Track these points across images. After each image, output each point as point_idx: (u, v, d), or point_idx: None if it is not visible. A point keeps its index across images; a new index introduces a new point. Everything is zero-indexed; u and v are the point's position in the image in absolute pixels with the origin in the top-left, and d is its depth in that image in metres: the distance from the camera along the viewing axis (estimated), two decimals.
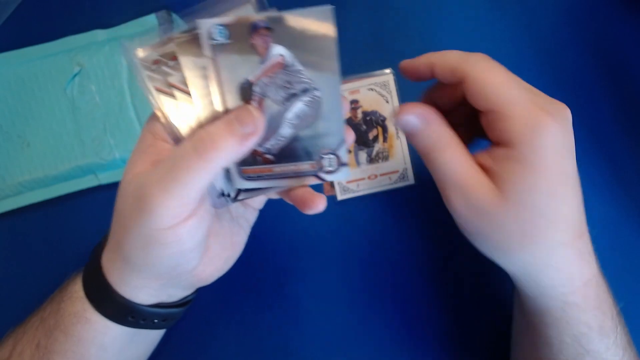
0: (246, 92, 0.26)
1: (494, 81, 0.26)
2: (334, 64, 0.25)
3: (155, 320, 0.30)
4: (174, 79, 0.26)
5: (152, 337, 0.33)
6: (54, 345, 0.29)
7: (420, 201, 0.40)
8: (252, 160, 0.27)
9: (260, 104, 0.26)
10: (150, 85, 0.26)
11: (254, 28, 0.24)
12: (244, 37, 0.25)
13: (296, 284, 0.40)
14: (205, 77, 0.26)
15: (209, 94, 0.26)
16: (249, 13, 0.26)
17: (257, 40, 0.25)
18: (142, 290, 0.28)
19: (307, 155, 0.27)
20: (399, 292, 0.39)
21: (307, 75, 0.25)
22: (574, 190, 0.26)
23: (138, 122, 0.42)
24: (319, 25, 0.24)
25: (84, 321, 0.29)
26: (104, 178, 0.42)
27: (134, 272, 0.28)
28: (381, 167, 0.40)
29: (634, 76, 0.41)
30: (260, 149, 0.27)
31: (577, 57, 0.42)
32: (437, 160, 0.27)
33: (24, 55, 0.44)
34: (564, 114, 0.26)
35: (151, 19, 0.43)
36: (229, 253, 0.32)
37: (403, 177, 0.40)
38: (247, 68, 0.25)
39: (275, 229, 0.36)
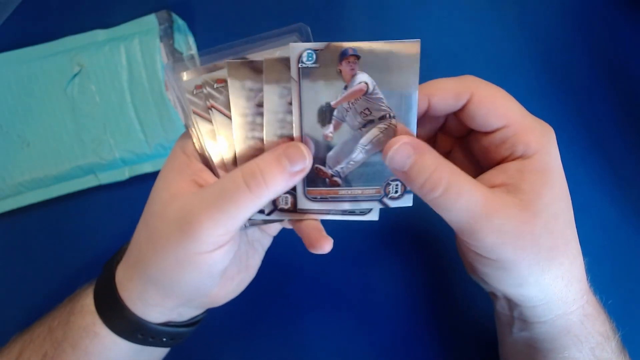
0: (325, 115, 0.26)
1: (502, 98, 0.26)
2: (414, 88, 0.25)
3: (164, 339, 0.30)
4: (216, 101, 0.27)
5: (157, 354, 0.33)
6: (61, 356, 0.29)
7: (420, 201, 0.40)
8: (319, 181, 0.27)
9: (336, 128, 0.26)
10: (190, 107, 0.27)
11: (343, 55, 0.25)
12: (331, 63, 0.25)
13: (296, 286, 0.40)
14: (249, 99, 0.26)
15: (247, 115, 0.27)
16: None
17: (345, 67, 0.25)
18: (155, 308, 0.28)
19: (374, 181, 0.27)
20: (399, 292, 0.39)
21: (386, 103, 0.26)
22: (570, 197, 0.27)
23: (138, 122, 0.42)
24: (405, 51, 0.25)
25: (92, 335, 0.29)
26: (104, 178, 0.42)
27: (154, 291, 0.28)
28: None
29: (634, 76, 0.41)
30: (330, 172, 0.27)
31: (577, 57, 0.42)
32: (449, 193, 0.24)
33: (24, 55, 0.43)
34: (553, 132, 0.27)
35: (151, 19, 0.43)
36: (243, 275, 0.32)
37: None
38: (330, 92, 0.26)
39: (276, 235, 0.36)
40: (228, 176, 0.25)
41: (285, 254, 0.40)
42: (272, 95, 0.26)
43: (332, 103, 0.26)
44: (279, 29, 0.27)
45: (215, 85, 0.27)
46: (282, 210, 0.28)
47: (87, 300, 0.30)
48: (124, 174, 0.42)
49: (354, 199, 0.28)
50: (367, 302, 0.39)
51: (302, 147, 0.26)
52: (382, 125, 0.26)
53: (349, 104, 0.26)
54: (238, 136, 0.27)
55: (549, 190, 0.25)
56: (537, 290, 0.26)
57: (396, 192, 0.27)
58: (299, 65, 0.25)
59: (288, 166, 0.25)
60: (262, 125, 0.27)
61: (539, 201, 0.25)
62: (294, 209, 0.28)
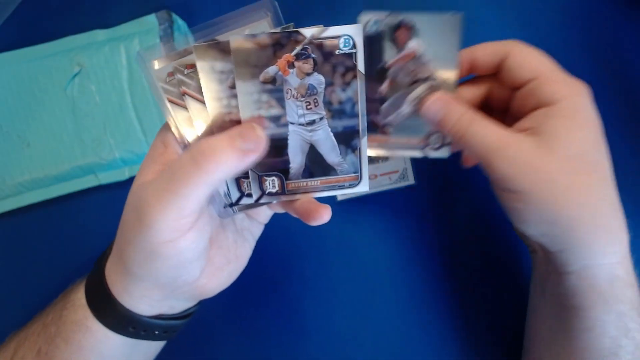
0: (381, 73, 0.29)
1: (534, 54, 0.29)
2: (455, 53, 0.29)
3: (156, 332, 0.30)
4: (188, 88, 0.27)
5: (152, 348, 0.33)
6: (55, 352, 0.29)
7: (420, 201, 0.40)
8: (372, 130, 0.30)
9: (390, 85, 0.29)
10: (164, 96, 0.27)
11: (399, 24, 0.28)
12: (390, 30, 0.28)
13: (296, 285, 0.40)
14: (221, 82, 0.26)
15: (221, 99, 0.26)
16: (264, 28, 0.27)
17: (400, 34, 0.28)
18: (143, 300, 0.28)
19: (418, 132, 0.30)
20: (399, 292, 0.39)
21: (431, 66, 0.29)
22: (608, 155, 0.28)
23: (138, 122, 0.42)
24: (448, 23, 0.28)
25: (84, 330, 0.29)
26: (104, 178, 0.42)
27: (136, 283, 0.28)
28: (381, 167, 0.40)
29: (634, 76, 0.41)
30: (383, 122, 0.30)
31: (577, 57, 0.42)
32: (469, 134, 0.27)
33: (24, 55, 0.44)
34: (590, 92, 0.28)
35: (151, 19, 0.43)
36: (232, 266, 0.32)
37: (403, 177, 0.40)
38: (387, 55, 0.28)
39: (275, 230, 0.36)
40: (178, 157, 0.25)
41: (283, 250, 0.40)
42: (243, 77, 0.26)
43: (387, 64, 0.28)
44: (247, 6, 0.27)
45: (185, 71, 0.26)
46: (271, 194, 0.28)
47: (78, 295, 0.30)
48: (124, 174, 0.42)
49: (400, 148, 0.30)
50: (366, 298, 0.39)
51: (256, 127, 0.25)
52: (426, 84, 0.29)
53: (400, 65, 0.28)
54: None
55: (570, 133, 0.26)
56: (557, 229, 0.27)
57: (436, 142, 0.30)
58: (365, 33, 0.27)
59: (240, 143, 0.25)
60: (267, 102, 0.26)
61: (556, 141, 0.26)
62: (282, 191, 0.28)
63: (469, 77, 0.32)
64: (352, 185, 0.29)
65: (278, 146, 0.27)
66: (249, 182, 0.28)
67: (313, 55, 0.26)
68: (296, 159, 0.27)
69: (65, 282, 0.41)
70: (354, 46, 0.26)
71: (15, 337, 0.31)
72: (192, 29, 0.26)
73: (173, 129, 0.27)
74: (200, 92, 0.26)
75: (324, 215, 0.28)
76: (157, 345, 0.33)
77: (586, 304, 0.27)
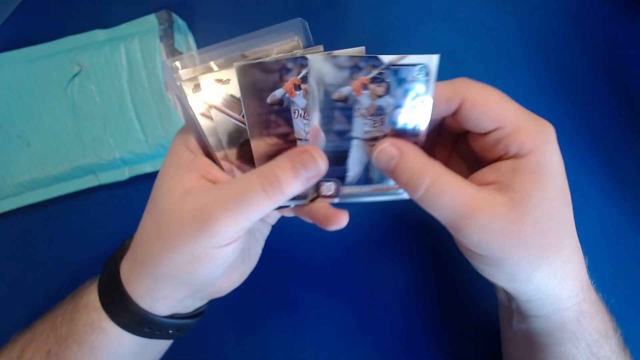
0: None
1: (494, 100, 0.26)
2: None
3: (170, 331, 0.30)
4: (216, 101, 0.27)
5: (162, 345, 0.33)
6: (66, 353, 0.29)
7: None
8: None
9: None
10: (191, 108, 0.27)
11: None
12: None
13: (295, 286, 0.40)
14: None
15: (260, 115, 0.27)
16: (293, 48, 0.28)
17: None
18: (164, 301, 0.29)
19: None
20: (398, 293, 0.39)
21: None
22: (569, 196, 0.27)
23: (138, 122, 0.42)
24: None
25: (98, 331, 0.29)
26: (104, 178, 0.42)
27: (166, 285, 0.28)
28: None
29: (634, 76, 0.41)
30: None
31: (577, 57, 0.42)
32: (430, 193, 0.25)
33: (24, 55, 0.44)
34: (553, 129, 0.27)
35: (151, 19, 0.43)
36: (246, 265, 0.33)
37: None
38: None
39: (273, 231, 0.36)
40: (245, 179, 0.26)
41: (287, 251, 0.40)
42: (250, 99, 0.27)
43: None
44: (277, 24, 0.27)
45: (213, 85, 0.27)
46: (325, 196, 0.29)
47: (91, 297, 0.30)
48: (124, 174, 0.42)
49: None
50: (368, 298, 0.39)
51: (315, 153, 0.26)
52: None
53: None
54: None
55: (540, 190, 0.25)
56: (528, 286, 0.27)
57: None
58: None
59: (303, 173, 0.26)
60: (275, 122, 0.27)
61: (529, 201, 0.25)
62: (337, 194, 0.29)
63: None
64: (399, 193, 0.29)
65: (340, 157, 0.28)
66: None
67: (387, 80, 0.26)
68: (355, 168, 0.28)
69: (66, 281, 0.41)
70: (427, 74, 0.26)
71: (21, 338, 0.31)
72: (219, 45, 0.27)
73: (196, 136, 0.28)
74: (227, 106, 0.27)
75: (343, 220, 0.28)
76: (167, 344, 0.33)
77: (555, 342, 0.28)
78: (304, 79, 0.26)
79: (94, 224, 0.42)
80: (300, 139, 0.28)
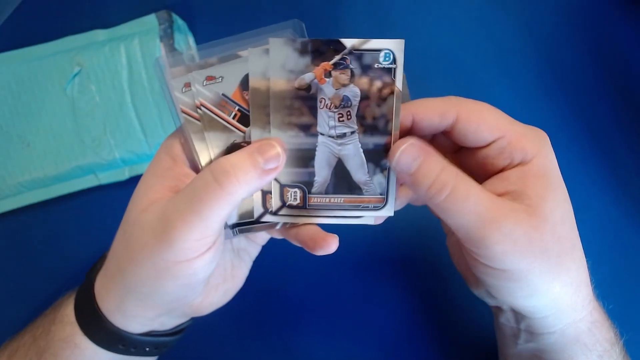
0: None
1: (489, 112, 0.25)
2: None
3: (147, 349, 0.29)
4: (205, 100, 0.26)
5: None
6: None
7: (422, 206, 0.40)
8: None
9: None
10: (178, 106, 0.26)
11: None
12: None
13: (296, 287, 0.40)
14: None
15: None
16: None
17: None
18: (135, 319, 0.28)
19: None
20: (399, 294, 0.39)
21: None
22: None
23: (138, 122, 0.42)
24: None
25: (73, 346, 0.28)
26: (104, 178, 0.42)
27: (134, 302, 0.27)
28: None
29: (634, 76, 0.41)
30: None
31: (577, 57, 0.42)
32: (455, 196, 0.23)
33: (24, 55, 0.44)
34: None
35: (151, 19, 0.43)
36: (228, 285, 0.31)
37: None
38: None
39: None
40: (198, 176, 0.25)
41: (281, 261, 0.40)
42: (278, 80, 0.25)
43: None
44: (273, 24, 0.26)
45: (204, 83, 0.26)
46: (291, 206, 0.27)
47: (67, 311, 0.29)
48: (124, 174, 0.42)
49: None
50: (364, 309, 0.39)
51: (276, 143, 0.25)
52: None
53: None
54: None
55: (552, 194, 0.24)
56: (548, 299, 0.25)
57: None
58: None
59: (261, 162, 0.24)
60: (299, 109, 0.25)
61: (545, 205, 0.24)
62: (303, 205, 0.27)
63: None
64: (376, 208, 0.27)
65: (305, 157, 0.26)
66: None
67: (351, 66, 0.25)
68: (322, 172, 0.26)
69: (66, 282, 0.41)
70: (394, 61, 0.25)
71: (8, 347, 0.31)
72: (215, 42, 0.26)
73: (182, 140, 0.27)
74: (217, 105, 0.26)
75: (332, 244, 0.26)
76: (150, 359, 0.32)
77: (567, 357, 0.27)
78: (336, 66, 0.25)
79: (94, 224, 0.42)
80: (322, 134, 0.26)
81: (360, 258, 0.40)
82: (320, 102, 0.25)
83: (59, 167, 0.42)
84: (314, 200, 0.27)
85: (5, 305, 0.41)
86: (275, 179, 0.27)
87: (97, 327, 0.28)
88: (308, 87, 0.25)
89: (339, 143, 0.26)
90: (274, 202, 0.27)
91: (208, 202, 0.23)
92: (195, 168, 0.27)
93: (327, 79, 0.25)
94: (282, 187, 0.27)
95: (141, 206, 0.25)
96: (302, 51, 0.25)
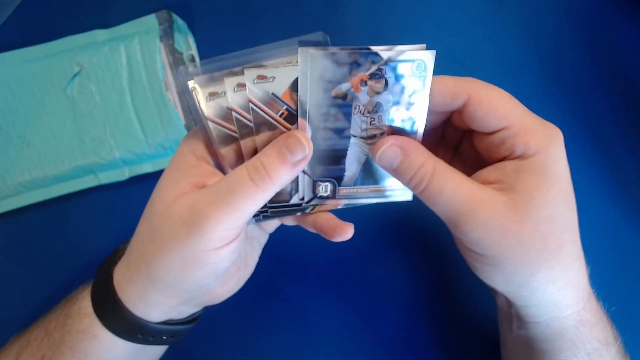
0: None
1: (501, 99, 0.26)
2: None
3: (164, 337, 0.30)
4: (254, 96, 0.27)
5: (157, 351, 0.33)
6: (60, 359, 0.29)
7: (421, 202, 0.40)
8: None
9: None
10: (205, 115, 0.27)
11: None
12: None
13: (296, 287, 0.40)
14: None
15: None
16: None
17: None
18: (157, 308, 0.28)
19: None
20: (399, 293, 0.39)
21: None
22: (574, 203, 0.26)
23: (138, 122, 0.42)
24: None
25: (91, 338, 0.29)
26: (104, 178, 0.42)
27: (157, 291, 0.28)
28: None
29: (634, 76, 0.41)
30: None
31: (577, 57, 0.42)
32: (431, 188, 0.25)
33: (24, 55, 0.43)
34: (561, 134, 0.26)
35: (151, 19, 0.43)
36: (242, 273, 0.33)
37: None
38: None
39: (274, 232, 0.36)
40: (233, 172, 0.26)
41: (286, 253, 0.40)
42: (316, 89, 0.27)
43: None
44: (299, 37, 0.27)
45: (235, 89, 0.27)
46: (322, 197, 0.29)
47: (84, 303, 0.29)
48: (124, 174, 0.42)
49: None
50: (369, 300, 0.39)
51: (301, 136, 0.26)
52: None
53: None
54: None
55: (543, 193, 0.25)
56: (526, 291, 0.26)
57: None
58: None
59: (289, 157, 0.26)
60: (334, 116, 0.27)
61: (531, 203, 0.24)
62: (333, 196, 0.29)
63: None
64: (397, 194, 0.29)
65: (337, 156, 0.28)
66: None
67: (386, 77, 0.26)
68: (352, 167, 0.28)
69: (66, 282, 0.41)
70: (425, 70, 0.26)
71: (17, 342, 0.31)
72: (237, 53, 0.27)
73: (206, 143, 0.28)
74: (247, 110, 0.27)
75: (348, 231, 0.28)
76: (160, 349, 0.33)
77: (554, 349, 0.28)
78: (372, 76, 0.26)
79: (94, 224, 0.42)
80: (354, 136, 0.28)
81: (363, 252, 0.40)
82: (355, 108, 0.27)
83: (59, 167, 0.42)
84: (343, 191, 0.29)
85: (5, 305, 0.41)
86: (308, 175, 0.29)
87: (117, 318, 0.28)
88: (344, 96, 0.27)
89: (369, 143, 0.28)
90: (306, 193, 0.29)
91: (243, 197, 0.25)
92: (220, 168, 0.28)
93: (362, 88, 0.27)
94: (315, 182, 0.29)
95: (168, 199, 0.26)
96: (340, 62, 0.26)
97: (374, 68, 0.26)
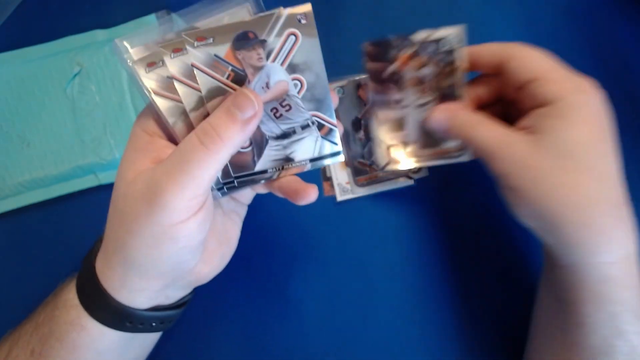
0: (357, 124, 0.40)
1: (534, 55, 0.29)
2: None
3: (153, 324, 0.30)
4: (176, 72, 0.27)
5: (149, 340, 0.33)
6: (49, 352, 0.29)
7: (420, 201, 0.40)
8: (362, 171, 0.40)
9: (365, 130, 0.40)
10: (144, 87, 0.27)
11: (359, 85, 0.40)
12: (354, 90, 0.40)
13: (296, 285, 0.40)
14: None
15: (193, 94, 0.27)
16: (243, 15, 0.28)
17: (361, 93, 0.40)
18: (142, 293, 0.28)
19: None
20: (399, 292, 0.39)
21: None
22: (613, 153, 0.28)
23: None
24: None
25: (79, 329, 0.28)
26: (104, 178, 0.42)
27: (137, 274, 0.27)
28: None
29: (634, 76, 0.41)
30: (368, 162, 0.40)
31: (577, 57, 0.42)
32: (473, 137, 0.29)
33: (24, 55, 0.44)
34: (597, 88, 0.28)
35: (151, 19, 0.43)
36: (224, 249, 0.32)
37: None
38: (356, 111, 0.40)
39: (274, 231, 0.36)
40: (184, 140, 0.26)
41: (286, 247, 0.40)
42: (373, 84, 0.34)
43: (359, 116, 0.40)
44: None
45: (172, 55, 0.26)
46: (395, 161, 0.35)
47: (70, 295, 0.29)
48: None
49: (392, 178, 0.39)
50: (368, 298, 0.39)
51: (249, 92, 0.26)
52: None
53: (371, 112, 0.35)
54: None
55: (564, 131, 0.27)
56: (546, 225, 0.27)
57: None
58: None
59: (239, 115, 0.25)
60: (390, 90, 0.34)
61: (550, 138, 0.27)
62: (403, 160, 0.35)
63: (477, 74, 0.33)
64: (457, 156, 0.34)
65: (400, 123, 0.34)
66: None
67: (426, 52, 0.32)
68: (414, 132, 0.34)
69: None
70: (459, 42, 0.31)
71: (10, 337, 0.31)
72: (180, 13, 0.27)
73: (154, 115, 0.28)
74: (188, 76, 0.27)
75: (312, 194, 0.29)
76: (153, 337, 0.33)
77: (576, 300, 0.28)
78: (413, 55, 0.32)
79: (94, 224, 0.42)
80: (409, 105, 0.33)
81: (362, 254, 0.40)
82: (405, 82, 0.33)
83: (59, 167, 0.42)
84: (409, 154, 0.35)
85: (5, 305, 0.41)
86: (383, 140, 0.35)
87: (103, 307, 0.28)
88: (394, 74, 0.33)
89: (423, 109, 0.33)
90: (381, 159, 0.35)
91: (197, 162, 0.25)
92: (172, 140, 0.28)
93: (407, 66, 0.33)
94: (388, 147, 0.35)
95: (127, 179, 0.26)
96: (386, 46, 0.33)
97: (415, 47, 0.32)
